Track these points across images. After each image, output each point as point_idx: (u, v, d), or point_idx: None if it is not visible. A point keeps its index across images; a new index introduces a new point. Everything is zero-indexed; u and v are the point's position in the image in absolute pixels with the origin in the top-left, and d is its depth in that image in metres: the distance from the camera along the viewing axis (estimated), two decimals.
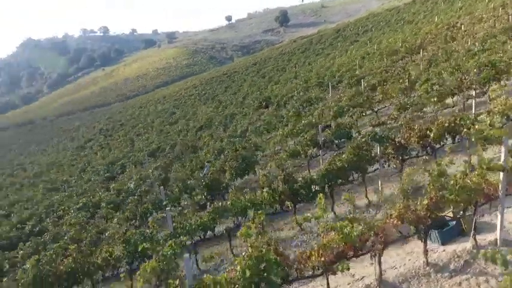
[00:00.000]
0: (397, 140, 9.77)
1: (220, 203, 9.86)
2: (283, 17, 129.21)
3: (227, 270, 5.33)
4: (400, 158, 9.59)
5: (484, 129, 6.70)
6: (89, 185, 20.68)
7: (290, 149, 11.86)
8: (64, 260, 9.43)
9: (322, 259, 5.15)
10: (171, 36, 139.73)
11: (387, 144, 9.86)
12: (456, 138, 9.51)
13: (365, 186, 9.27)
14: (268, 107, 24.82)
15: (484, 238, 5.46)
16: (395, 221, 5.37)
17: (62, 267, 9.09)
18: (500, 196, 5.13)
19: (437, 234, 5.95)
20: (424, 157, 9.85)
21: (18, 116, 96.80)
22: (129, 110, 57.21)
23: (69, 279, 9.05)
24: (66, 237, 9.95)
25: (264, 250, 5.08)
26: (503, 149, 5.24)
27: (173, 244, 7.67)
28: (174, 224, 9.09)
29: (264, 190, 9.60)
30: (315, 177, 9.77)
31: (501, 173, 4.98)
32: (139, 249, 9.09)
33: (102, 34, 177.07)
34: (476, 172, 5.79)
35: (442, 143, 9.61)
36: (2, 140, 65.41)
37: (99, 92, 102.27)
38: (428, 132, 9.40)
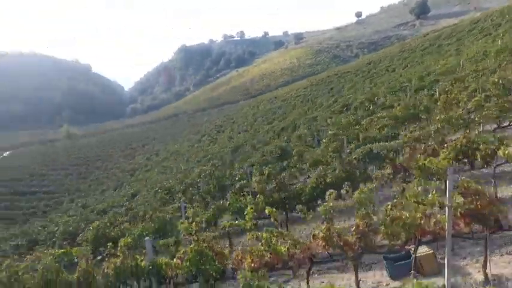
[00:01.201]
0: (398, 160, 9.09)
1: (221, 202, 11.40)
2: (420, 8, 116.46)
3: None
4: (403, 180, 8.94)
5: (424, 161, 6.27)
6: (180, 173, 25.01)
7: (311, 159, 12.24)
8: (115, 227, 12.81)
9: (252, 265, 5.79)
10: (298, 37, 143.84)
11: (384, 164, 9.27)
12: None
13: (357, 206, 9.18)
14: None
15: (435, 281, 4.95)
16: (320, 242, 5.54)
17: (112, 233, 12.44)
18: (446, 236, 4.59)
19: (387, 267, 5.55)
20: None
21: (168, 110, 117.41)
22: (244, 108, 62.90)
23: (118, 243, 12.37)
24: (120, 211, 13.24)
25: (203, 246, 6.54)
26: (448, 183, 4.76)
27: (143, 227, 9.91)
28: (186, 214, 11.16)
29: (258, 196, 10.63)
30: (306, 189, 10.17)
31: (446, 210, 4.58)
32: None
33: (239, 38, 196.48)
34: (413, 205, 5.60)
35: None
36: (152, 130, 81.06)
37: (230, 90, 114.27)
38: (434, 154, 8.58)
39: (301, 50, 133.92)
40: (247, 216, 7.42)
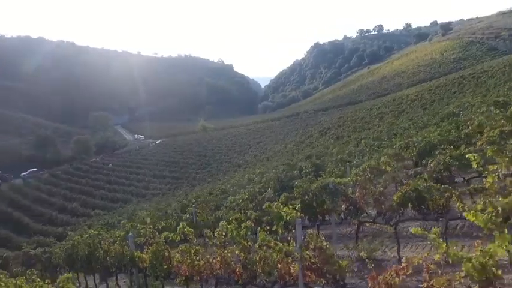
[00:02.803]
0: (350, 198, 8.60)
1: (219, 213, 12.43)
2: None
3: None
4: (358, 219, 8.59)
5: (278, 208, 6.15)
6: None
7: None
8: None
9: (182, 272, 7.13)
10: (446, 28, 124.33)
11: (341, 200, 8.83)
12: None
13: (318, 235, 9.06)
14: None
15: None
16: (218, 265, 6.44)
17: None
18: (299, 284, 4.87)
19: None
20: (384, 226, 8.34)
21: (293, 109, 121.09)
22: (357, 111, 59.74)
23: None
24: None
25: (156, 249, 8.38)
26: (296, 234, 5.12)
27: (130, 226, 11.98)
28: (197, 218, 12.79)
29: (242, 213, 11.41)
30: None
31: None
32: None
33: (375, 33, 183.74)
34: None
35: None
36: (272, 127, 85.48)
37: (356, 90, 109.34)
38: (381, 197, 7.95)
39: (448, 42, 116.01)
40: (179, 230, 8.53)
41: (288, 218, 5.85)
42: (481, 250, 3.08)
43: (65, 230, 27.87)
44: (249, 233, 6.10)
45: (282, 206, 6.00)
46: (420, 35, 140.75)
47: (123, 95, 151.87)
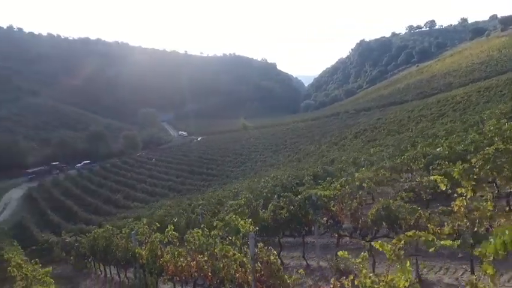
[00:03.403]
0: (330, 212, 8.95)
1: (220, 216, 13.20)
2: None
3: None
4: (337, 232, 8.99)
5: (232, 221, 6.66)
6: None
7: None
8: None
9: (169, 272, 8.48)
10: (507, 22, 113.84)
11: (322, 212, 9.18)
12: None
13: (303, 247, 9.53)
14: None
15: None
16: (194, 268, 7.21)
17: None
18: None
19: None
20: (361, 241, 8.55)
21: (335, 108, 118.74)
22: (397, 113, 57.44)
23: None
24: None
25: (151, 248, 9.43)
26: (250, 247, 5.57)
27: (134, 224, 13.19)
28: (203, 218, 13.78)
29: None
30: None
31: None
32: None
33: (427, 29, 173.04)
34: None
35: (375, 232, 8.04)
36: (310, 127, 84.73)
37: (403, 89, 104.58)
38: (357, 212, 8.27)
39: (508, 38, 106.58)
40: (166, 232, 9.35)
41: (244, 231, 6.27)
42: (383, 280, 3.39)
43: (105, 220, 30.54)
44: (217, 241, 6.66)
45: (239, 219, 6.42)
46: (477, 30, 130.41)
47: (170, 92, 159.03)
